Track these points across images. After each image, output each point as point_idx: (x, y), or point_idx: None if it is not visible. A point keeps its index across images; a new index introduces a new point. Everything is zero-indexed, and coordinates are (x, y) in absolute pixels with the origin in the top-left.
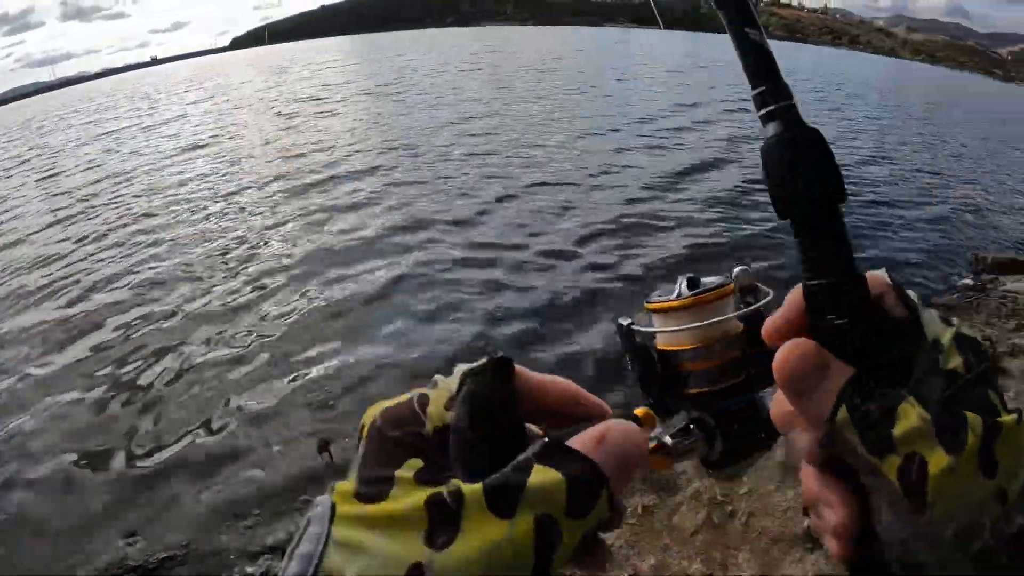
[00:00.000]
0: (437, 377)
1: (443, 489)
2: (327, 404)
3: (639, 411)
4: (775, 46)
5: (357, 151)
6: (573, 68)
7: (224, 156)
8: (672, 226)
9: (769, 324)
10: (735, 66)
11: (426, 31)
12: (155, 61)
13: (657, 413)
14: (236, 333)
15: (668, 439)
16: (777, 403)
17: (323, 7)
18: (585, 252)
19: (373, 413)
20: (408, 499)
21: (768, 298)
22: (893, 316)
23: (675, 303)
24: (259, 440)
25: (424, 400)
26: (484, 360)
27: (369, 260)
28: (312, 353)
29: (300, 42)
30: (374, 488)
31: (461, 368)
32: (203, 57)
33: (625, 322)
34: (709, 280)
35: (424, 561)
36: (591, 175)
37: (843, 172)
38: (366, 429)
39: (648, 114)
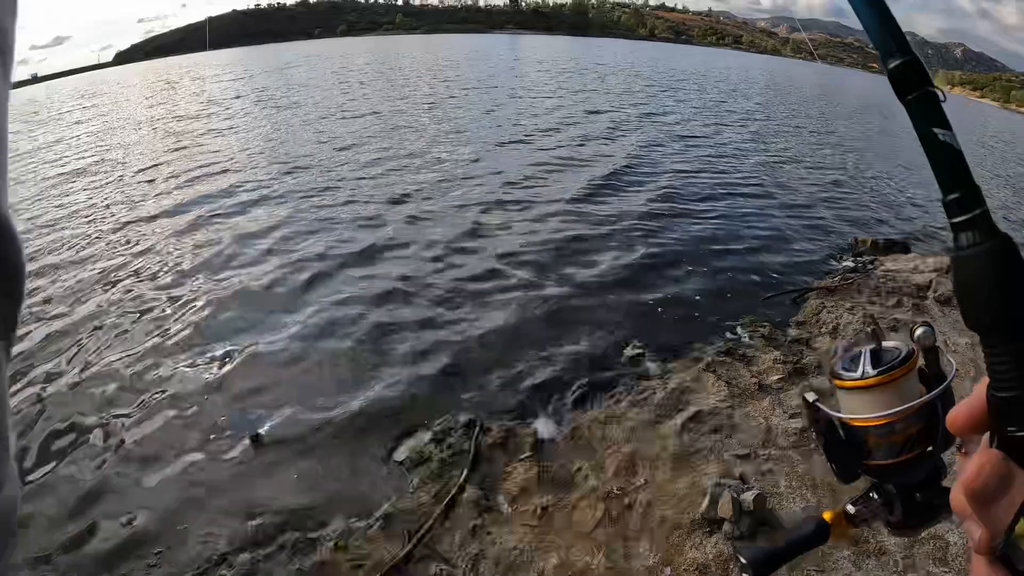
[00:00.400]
0: None
1: None
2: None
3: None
4: (663, 48)
5: (249, 174)
6: (467, 75)
7: (109, 183)
8: (583, 239)
9: (954, 416)
10: (621, 70)
11: (316, 42)
12: (36, 79)
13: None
14: (129, 387)
15: (850, 507)
16: (956, 494)
17: (210, 19)
18: (507, 272)
19: None
20: None
21: (952, 373)
22: None
23: (862, 383)
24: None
25: None
26: None
27: (274, 298)
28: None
29: (188, 56)
30: None
31: None
32: (87, 73)
33: (811, 398)
34: (891, 347)
35: None
36: (499, 189)
37: (732, 167)
38: None
39: (547, 121)
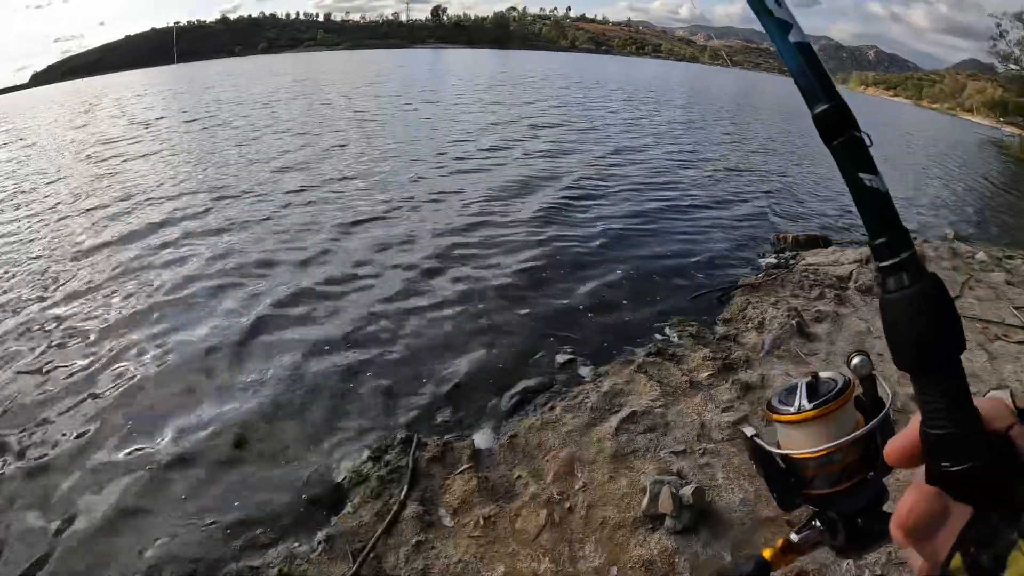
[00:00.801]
0: None
1: None
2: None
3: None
4: (583, 59)
5: (175, 199)
6: (389, 90)
7: (30, 215)
8: (509, 248)
9: (890, 450)
10: (537, 82)
11: (237, 60)
12: None
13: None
14: (56, 414)
15: (794, 536)
16: (893, 528)
17: (128, 37)
18: (437, 287)
19: None
20: None
21: (889, 402)
22: (1016, 447)
23: (798, 417)
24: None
25: None
26: None
27: (199, 320)
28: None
29: (107, 76)
30: None
31: None
32: (1, 96)
33: (749, 432)
34: (828, 378)
35: None
36: (422, 202)
37: (655, 172)
38: None
39: (468, 132)
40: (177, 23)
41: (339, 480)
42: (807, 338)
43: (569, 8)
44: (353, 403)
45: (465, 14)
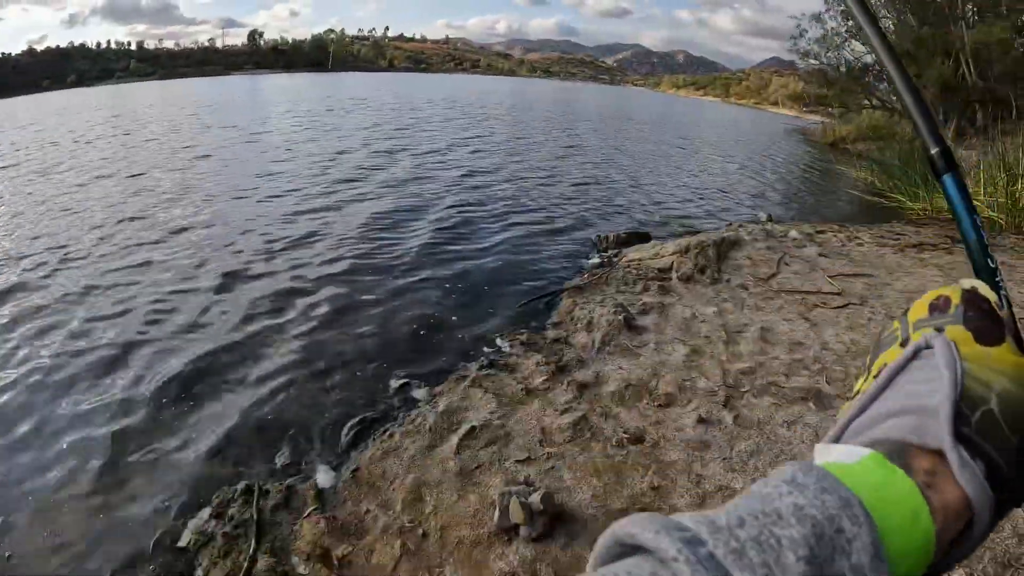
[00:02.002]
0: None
1: None
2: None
3: None
4: (402, 78)
5: None
6: (216, 122)
7: None
8: (339, 277)
9: None
10: (363, 101)
11: (45, 95)
12: None
13: None
14: None
15: None
16: None
17: None
18: (257, 325)
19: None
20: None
21: None
22: None
23: None
24: None
25: None
26: None
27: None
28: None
29: None
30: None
31: None
32: None
33: None
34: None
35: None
36: (264, 251)
37: (473, 185)
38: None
39: (290, 164)
40: None
41: (184, 546)
42: (635, 331)
43: (387, 28)
44: (187, 462)
45: (282, 38)
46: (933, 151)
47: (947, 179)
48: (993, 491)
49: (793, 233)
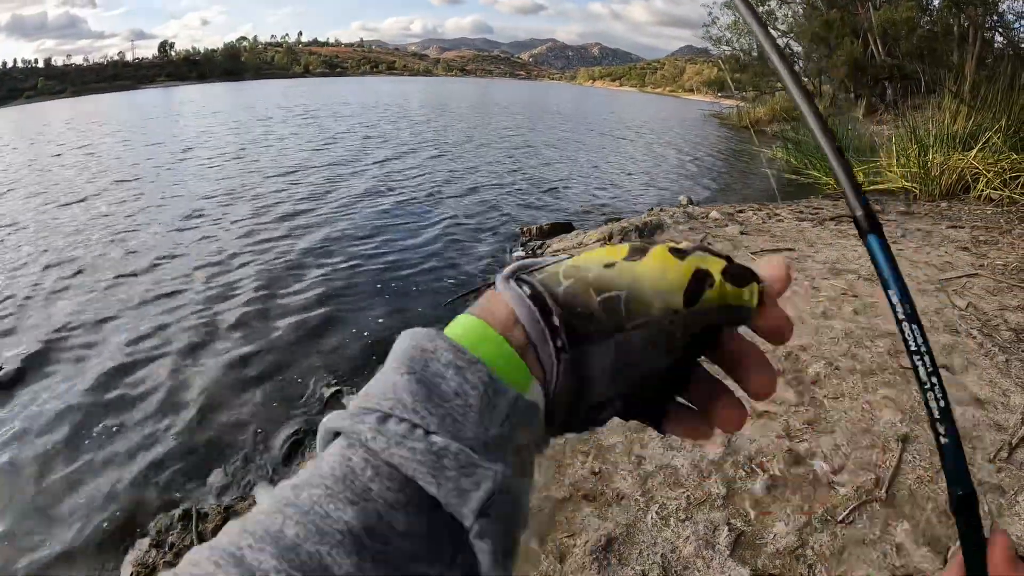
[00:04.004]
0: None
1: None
2: None
3: None
4: (317, 83)
5: None
6: (127, 138)
7: None
8: (263, 291)
9: None
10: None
11: None
12: None
13: None
14: None
15: None
16: None
17: None
18: (181, 343)
19: None
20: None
21: None
22: None
23: None
24: None
25: None
26: None
27: None
28: None
29: None
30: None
31: None
32: None
33: None
34: None
35: (616, 261)
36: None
37: (391, 188)
38: None
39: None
40: None
41: None
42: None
43: (300, 33)
44: (120, 488)
45: (194, 47)
46: (858, 213)
47: (871, 239)
48: (543, 317)
49: (714, 214)
